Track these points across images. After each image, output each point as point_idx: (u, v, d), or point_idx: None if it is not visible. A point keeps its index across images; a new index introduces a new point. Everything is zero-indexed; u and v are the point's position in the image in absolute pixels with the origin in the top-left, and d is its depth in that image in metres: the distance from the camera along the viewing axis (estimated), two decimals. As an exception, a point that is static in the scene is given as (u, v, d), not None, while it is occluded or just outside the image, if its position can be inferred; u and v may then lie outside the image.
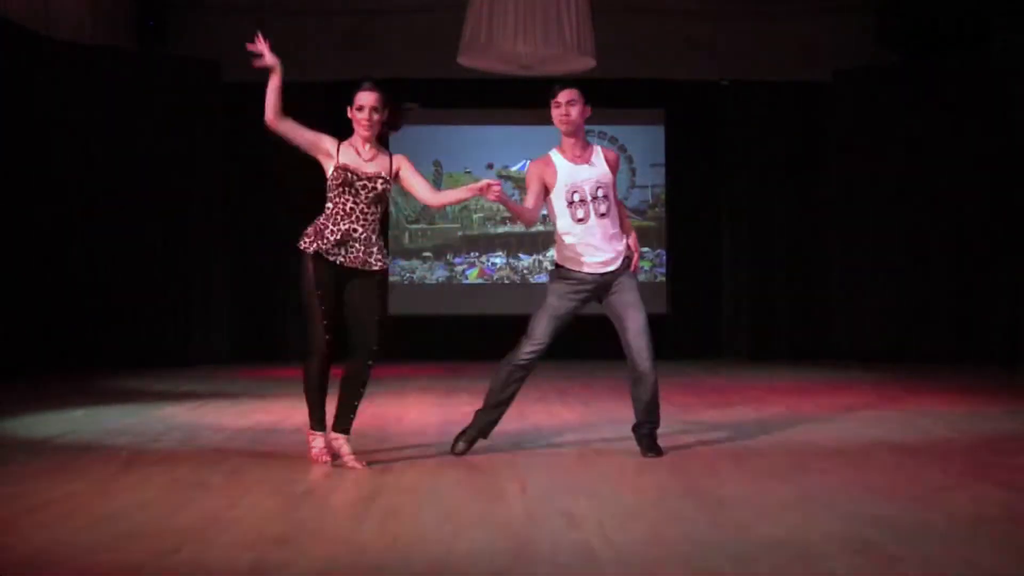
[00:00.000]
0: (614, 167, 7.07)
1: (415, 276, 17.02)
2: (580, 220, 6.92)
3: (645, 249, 17.09)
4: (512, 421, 7.52)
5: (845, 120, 16.08)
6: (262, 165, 16.25)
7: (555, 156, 7.03)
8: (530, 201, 6.97)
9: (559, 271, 7.07)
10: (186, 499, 5.49)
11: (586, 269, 6.95)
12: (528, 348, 6.97)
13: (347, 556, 4.38)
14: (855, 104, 15.92)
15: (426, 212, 17.03)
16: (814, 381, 12.31)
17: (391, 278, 17.02)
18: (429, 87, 15.49)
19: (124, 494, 5.64)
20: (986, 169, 14.95)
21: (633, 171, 17.06)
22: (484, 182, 6.69)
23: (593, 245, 6.93)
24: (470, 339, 15.47)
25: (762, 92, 16.51)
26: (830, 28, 16.02)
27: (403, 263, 17.09)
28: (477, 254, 16.85)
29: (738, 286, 16.81)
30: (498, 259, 16.94)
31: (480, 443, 7.33)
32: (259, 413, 9.36)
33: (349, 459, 6.47)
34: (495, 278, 16.85)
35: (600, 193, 6.92)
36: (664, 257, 17.17)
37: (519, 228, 16.59)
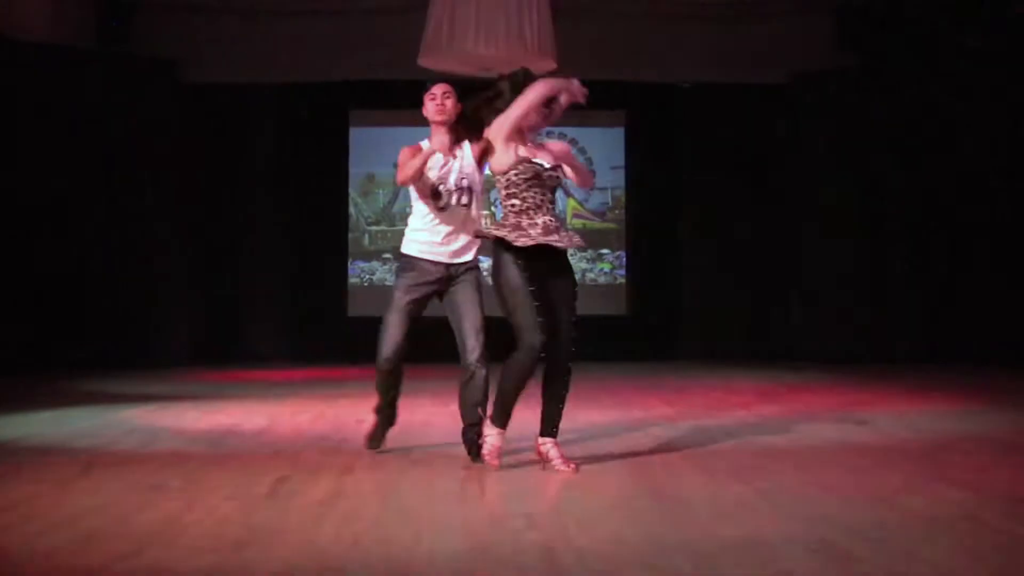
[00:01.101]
0: (479, 156, 7.04)
1: (375, 278, 17.00)
2: (441, 209, 6.95)
3: (605, 251, 17.14)
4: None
5: (804, 123, 16.14)
6: (223, 166, 16.22)
7: (426, 145, 7.08)
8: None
9: (405, 262, 7.07)
10: (145, 502, 5.47)
11: (435, 258, 6.97)
12: (384, 347, 6.99)
13: (307, 559, 4.37)
14: (814, 107, 15.99)
15: (386, 213, 17.05)
16: (774, 383, 12.34)
17: (351, 280, 17.01)
18: (389, 88, 15.48)
19: (83, 497, 5.61)
20: (946, 172, 15.08)
21: (592, 173, 17.08)
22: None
23: (449, 234, 6.97)
24: (430, 341, 15.43)
25: (723, 95, 16.55)
26: (790, 31, 16.04)
27: (363, 264, 17.07)
28: (438, 256, 16.80)
29: (698, 288, 16.85)
30: (459, 261, 16.94)
31: (440, 445, 7.36)
32: (219, 415, 9.33)
33: (558, 462, 6.45)
34: (457, 280, 16.80)
35: (464, 184, 6.97)
36: (624, 259, 17.21)
37: (480, 230, 16.55)
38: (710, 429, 8.27)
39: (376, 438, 7.23)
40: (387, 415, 7.24)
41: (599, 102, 16.64)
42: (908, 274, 15.44)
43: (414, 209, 7.11)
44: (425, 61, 12.39)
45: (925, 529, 4.81)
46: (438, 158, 6.98)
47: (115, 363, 14.13)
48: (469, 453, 6.88)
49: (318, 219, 16.86)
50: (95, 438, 7.88)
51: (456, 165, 7.00)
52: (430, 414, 9.18)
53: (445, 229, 6.97)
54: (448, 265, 6.97)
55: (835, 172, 15.73)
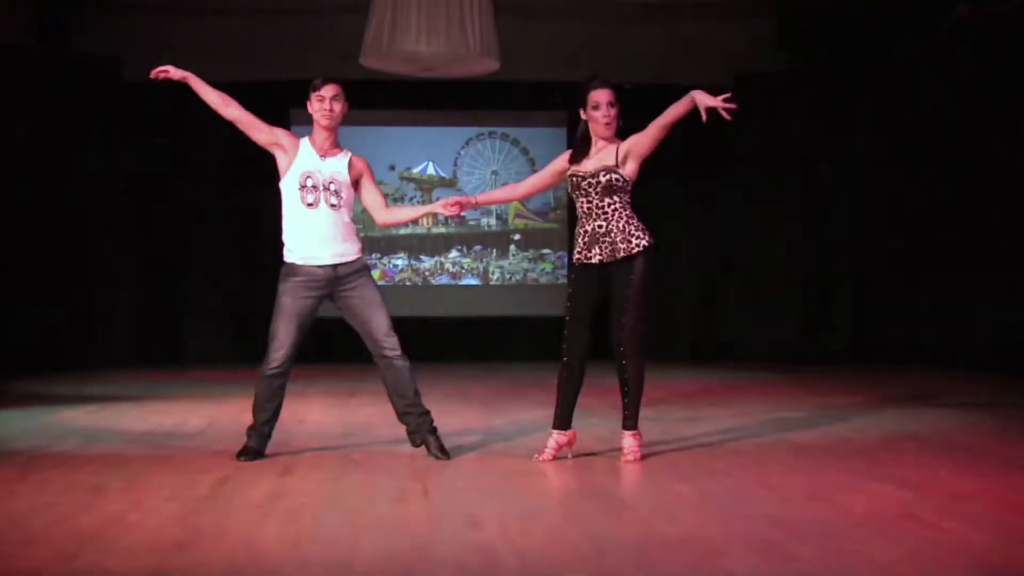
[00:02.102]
0: (360, 170, 7.11)
1: (317, 278, 16.92)
2: (310, 205, 6.95)
3: (547, 251, 17.15)
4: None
5: (746, 124, 16.18)
6: (166, 165, 16.08)
7: (304, 143, 7.06)
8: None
9: (288, 268, 7.05)
10: (85, 504, 5.43)
11: (319, 262, 6.94)
12: (274, 355, 6.93)
13: (248, 559, 4.36)
14: (755, 108, 16.05)
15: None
16: (715, 382, 12.40)
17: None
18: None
19: (21, 499, 5.57)
20: (885, 173, 15.20)
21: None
22: (440, 202, 7.10)
23: (323, 235, 6.94)
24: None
25: (664, 95, 16.55)
26: (731, 33, 16.10)
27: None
28: (378, 255, 16.77)
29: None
30: (400, 261, 16.89)
31: (381, 444, 7.36)
32: (159, 416, 9.27)
33: (627, 452, 6.86)
34: (396, 280, 16.79)
35: (332, 187, 6.96)
36: (566, 259, 17.22)
37: (420, 230, 16.56)
38: (651, 429, 8.29)
39: (250, 452, 6.95)
40: (265, 432, 7.04)
41: (542, 102, 16.62)
42: (849, 273, 15.57)
43: (285, 216, 7.10)
44: (367, 61, 12.36)
45: (865, 527, 4.85)
46: (311, 155, 6.99)
47: (53, 364, 13.98)
48: (428, 450, 6.92)
49: (262, 218, 16.76)
50: (34, 439, 7.81)
51: (326, 168, 6.97)
52: (370, 415, 9.17)
53: (320, 231, 6.94)
54: (335, 266, 6.94)
55: (776, 173, 15.81)
